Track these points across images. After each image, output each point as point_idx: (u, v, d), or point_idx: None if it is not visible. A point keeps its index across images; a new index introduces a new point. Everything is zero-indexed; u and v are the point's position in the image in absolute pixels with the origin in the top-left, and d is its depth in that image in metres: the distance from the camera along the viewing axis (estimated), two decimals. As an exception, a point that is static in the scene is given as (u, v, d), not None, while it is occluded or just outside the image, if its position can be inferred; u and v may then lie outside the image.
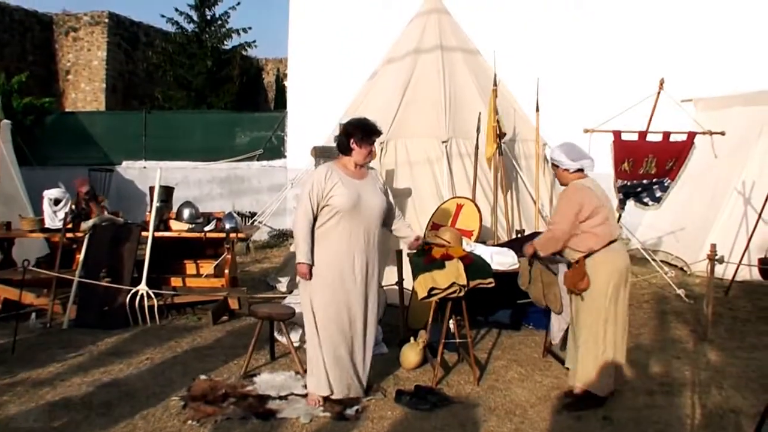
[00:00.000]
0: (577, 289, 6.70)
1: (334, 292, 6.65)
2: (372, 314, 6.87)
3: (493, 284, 7.29)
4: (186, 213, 10.80)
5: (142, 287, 9.74)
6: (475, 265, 7.42)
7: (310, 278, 6.64)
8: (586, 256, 6.63)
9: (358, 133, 6.77)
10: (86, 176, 15.73)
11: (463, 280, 7.18)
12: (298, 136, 18.85)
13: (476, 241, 9.14)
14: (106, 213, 10.69)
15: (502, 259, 8.06)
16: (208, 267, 10.93)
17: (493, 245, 8.95)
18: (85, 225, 10.12)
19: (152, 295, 9.73)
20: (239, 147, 20.44)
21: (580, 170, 6.84)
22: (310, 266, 6.63)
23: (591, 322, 6.66)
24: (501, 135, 10.71)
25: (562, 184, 7.01)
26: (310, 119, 17.77)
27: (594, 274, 6.60)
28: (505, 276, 7.86)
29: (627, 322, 6.83)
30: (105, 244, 10.06)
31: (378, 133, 6.90)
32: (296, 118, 19.73)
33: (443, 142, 11.09)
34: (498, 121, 10.64)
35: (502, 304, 9.36)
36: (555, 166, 6.96)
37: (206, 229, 10.58)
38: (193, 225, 10.68)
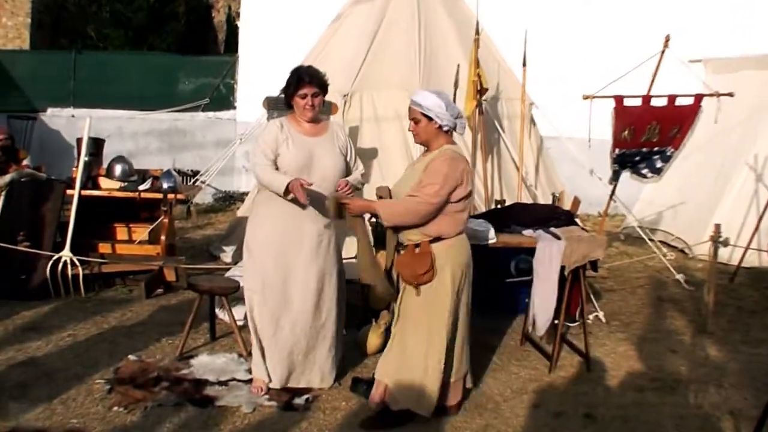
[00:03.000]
0: (416, 281, 6.17)
1: (275, 263, 6.65)
2: (329, 292, 6.83)
3: (466, 260, 7.32)
4: (118, 169, 10.75)
5: (66, 253, 9.68)
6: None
7: (305, 197, 6.34)
8: (431, 241, 6.20)
9: (291, 84, 6.75)
10: (4, 124, 15.60)
11: (432, 255, 7.18)
12: (250, 85, 18.70)
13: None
14: (26, 168, 10.62)
15: (477, 233, 8.09)
16: (141, 232, 10.88)
17: (469, 216, 8.97)
18: (1, 181, 10.04)
19: (77, 263, 9.69)
20: (182, 95, 20.24)
21: (450, 131, 6.36)
22: (300, 184, 6.33)
23: (429, 325, 6.22)
24: (482, 91, 10.71)
25: (421, 142, 6.43)
26: (264, 66, 17.59)
27: (440, 266, 6.17)
28: (481, 251, 7.90)
29: (468, 329, 6.56)
30: (24, 204, 9.99)
31: (314, 79, 6.73)
32: (248, 64, 19.57)
33: (415, 97, 11.07)
34: (479, 75, 10.62)
35: (475, 283, 9.39)
36: (423, 117, 6.22)
37: (141, 188, 10.56)
38: (126, 183, 10.65)
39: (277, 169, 6.59)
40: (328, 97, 7.27)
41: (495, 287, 9.31)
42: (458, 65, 10.90)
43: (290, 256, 6.66)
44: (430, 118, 6.20)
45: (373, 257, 6.51)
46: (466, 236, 6.42)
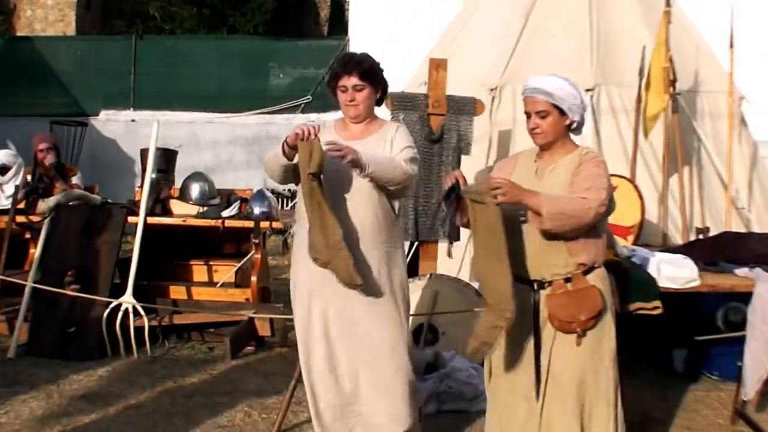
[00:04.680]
0: (581, 327, 5.77)
1: (305, 303, 6.47)
2: (386, 340, 6.41)
3: (660, 310, 7.22)
4: (195, 189, 10.89)
5: (127, 299, 9.82)
6: (633, 279, 7.35)
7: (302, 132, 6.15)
8: (585, 272, 5.84)
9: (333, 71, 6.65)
10: (47, 132, 15.91)
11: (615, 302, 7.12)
12: (365, 78, 18.78)
13: (636, 242, 9.09)
14: (76, 189, 10.78)
15: (674, 272, 7.95)
16: (225, 272, 10.99)
17: (662, 250, 8.87)
18: (45, 205, 10.21)
19: (141, 312, 9.82)
20: (276, 92, 20.45)
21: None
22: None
23: (596, 384, 5.85)
24: (674, 81, 10.63)
25: (546, 143, 5.99)
26: (382, 52, 17.58)
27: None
28: (678, 298, 7.80)
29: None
30: (73, 235, 10.16)
31: (356, 68, 6.60)
32: (362, 50, 19.58)
33: (587, 90, 11.01)
34: (671, 61, 10.54)
35: (672, 340, 9.30)
36: (555, 109, 5.84)
37: (224, 214, 10.64)
38: (206, 208, 10.75)
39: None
40: (471, 92, 7.15)
41: (696, 345, 9.20)
42: (643, 47, 10.82)
43: (323, 289, 6.37)
44: (562, 112, 5.84)
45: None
46: None
